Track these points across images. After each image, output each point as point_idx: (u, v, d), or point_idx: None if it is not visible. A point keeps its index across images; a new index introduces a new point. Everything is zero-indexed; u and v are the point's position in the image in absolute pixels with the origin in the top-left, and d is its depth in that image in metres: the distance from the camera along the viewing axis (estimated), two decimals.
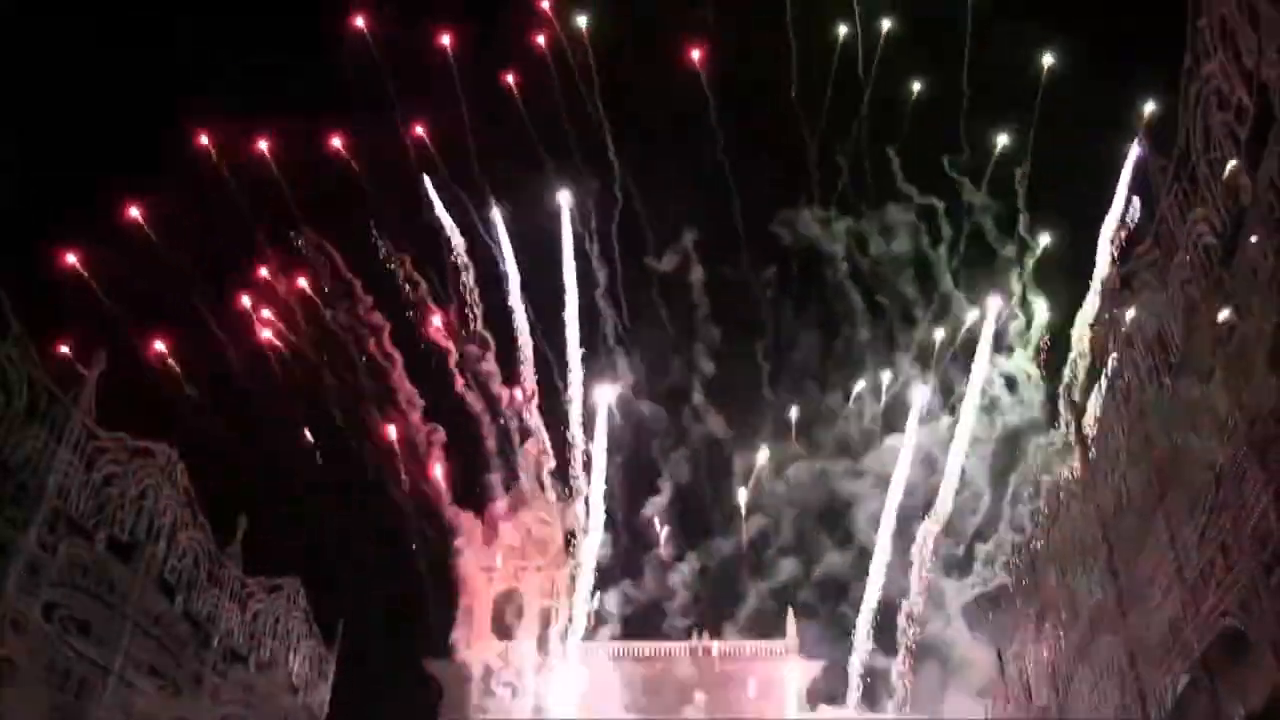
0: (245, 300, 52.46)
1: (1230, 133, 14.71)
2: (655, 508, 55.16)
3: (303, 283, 53.87)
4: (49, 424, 17.17)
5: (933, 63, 56.62)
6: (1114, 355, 19.48)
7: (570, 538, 50.99)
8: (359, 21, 53.98)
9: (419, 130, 55.17)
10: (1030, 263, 56.15)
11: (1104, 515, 20.30)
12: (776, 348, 59.65)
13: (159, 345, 49.87)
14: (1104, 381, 20.12)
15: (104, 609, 18.36)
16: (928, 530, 50.16)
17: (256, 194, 52.20)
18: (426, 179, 55.42)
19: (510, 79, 55.07)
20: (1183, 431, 16.59)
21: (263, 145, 52.42)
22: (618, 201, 57.24)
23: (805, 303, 60.45)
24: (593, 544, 49.94)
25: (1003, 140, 56.02)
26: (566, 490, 52.01)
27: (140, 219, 49.32)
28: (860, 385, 58.30)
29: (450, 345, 54.21)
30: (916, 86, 56.90)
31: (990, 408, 53.27)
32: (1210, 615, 15.73)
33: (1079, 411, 22.16)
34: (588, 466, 52.08)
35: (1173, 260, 16.82)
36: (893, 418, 55.86)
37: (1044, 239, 56.04)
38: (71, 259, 47.03)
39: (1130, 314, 18.69)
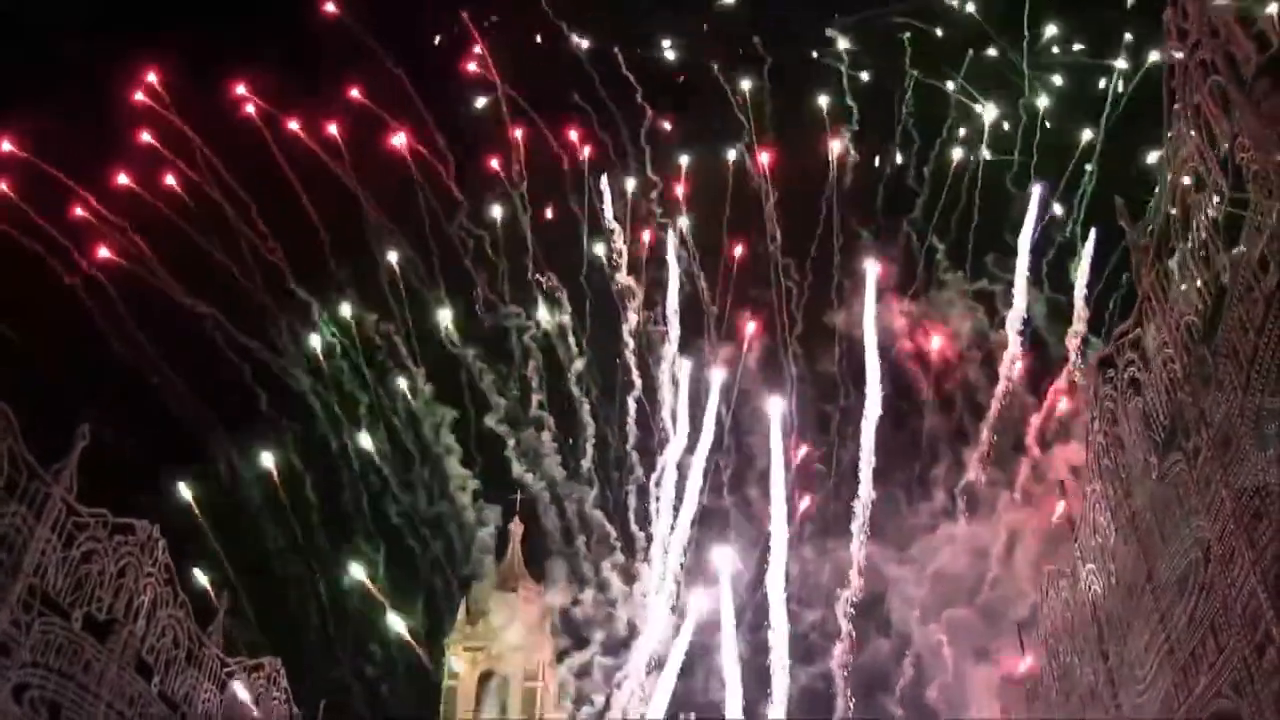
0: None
1: (1207, 212, 14.96)
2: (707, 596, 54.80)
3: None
4: (28, 500, 16.97)
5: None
6: (1100, 433, 19.52)
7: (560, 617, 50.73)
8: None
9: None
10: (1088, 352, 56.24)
11: (1093, 594, 20.16)
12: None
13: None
14: (1091, 459, 20.13)
15: (77, 689, 17.95)
16: (960, 616, 49.72)
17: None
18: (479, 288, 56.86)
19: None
20: (1169, 509, 16.56)
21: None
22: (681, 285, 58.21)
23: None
24: (654, 630, 49.74)
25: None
26: (629, 576, 52.25)
27: None
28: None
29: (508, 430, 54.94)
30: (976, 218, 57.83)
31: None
32: (1203, 696, 15.54)
33: (1064, 489, 22.14)
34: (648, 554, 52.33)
35: (1156, 338, 16.98)
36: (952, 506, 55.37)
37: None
38: None
39: (1114, 391, 18.78)
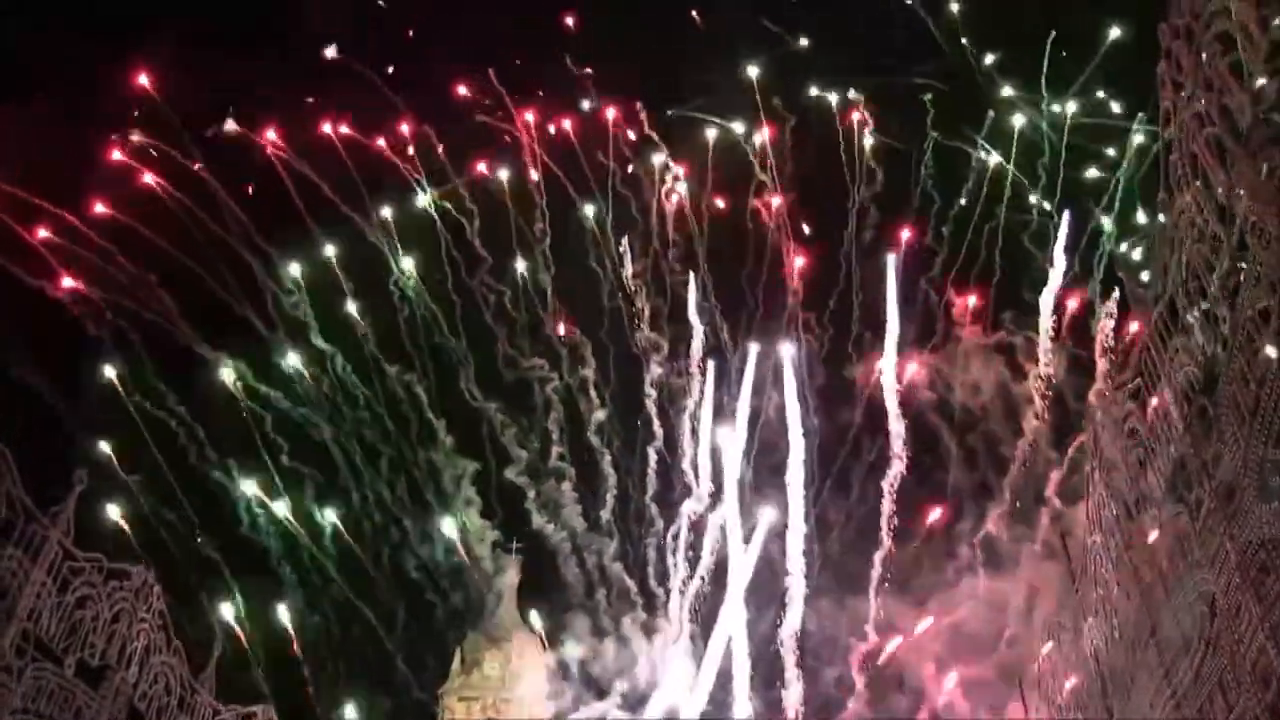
0: None
1: (1206, 263, 14.93)
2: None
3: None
4: (24, 544, 16.89)
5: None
6: (1102, 484, 19.33)
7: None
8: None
9: None
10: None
11: (1096, 650, 19.84)
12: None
13: None
14: (1092, 511, 19.92)
15: None
16: (974, 672, 49.10)
17: None
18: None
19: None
20: (1173, 562, 16.34)
21: None
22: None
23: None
24: (675, 678, 49.31)
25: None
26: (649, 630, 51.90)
27: None
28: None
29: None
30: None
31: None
32: None
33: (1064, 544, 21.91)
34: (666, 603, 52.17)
35: (1156, 390, 16.86)
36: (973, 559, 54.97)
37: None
38: None
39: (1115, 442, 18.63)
